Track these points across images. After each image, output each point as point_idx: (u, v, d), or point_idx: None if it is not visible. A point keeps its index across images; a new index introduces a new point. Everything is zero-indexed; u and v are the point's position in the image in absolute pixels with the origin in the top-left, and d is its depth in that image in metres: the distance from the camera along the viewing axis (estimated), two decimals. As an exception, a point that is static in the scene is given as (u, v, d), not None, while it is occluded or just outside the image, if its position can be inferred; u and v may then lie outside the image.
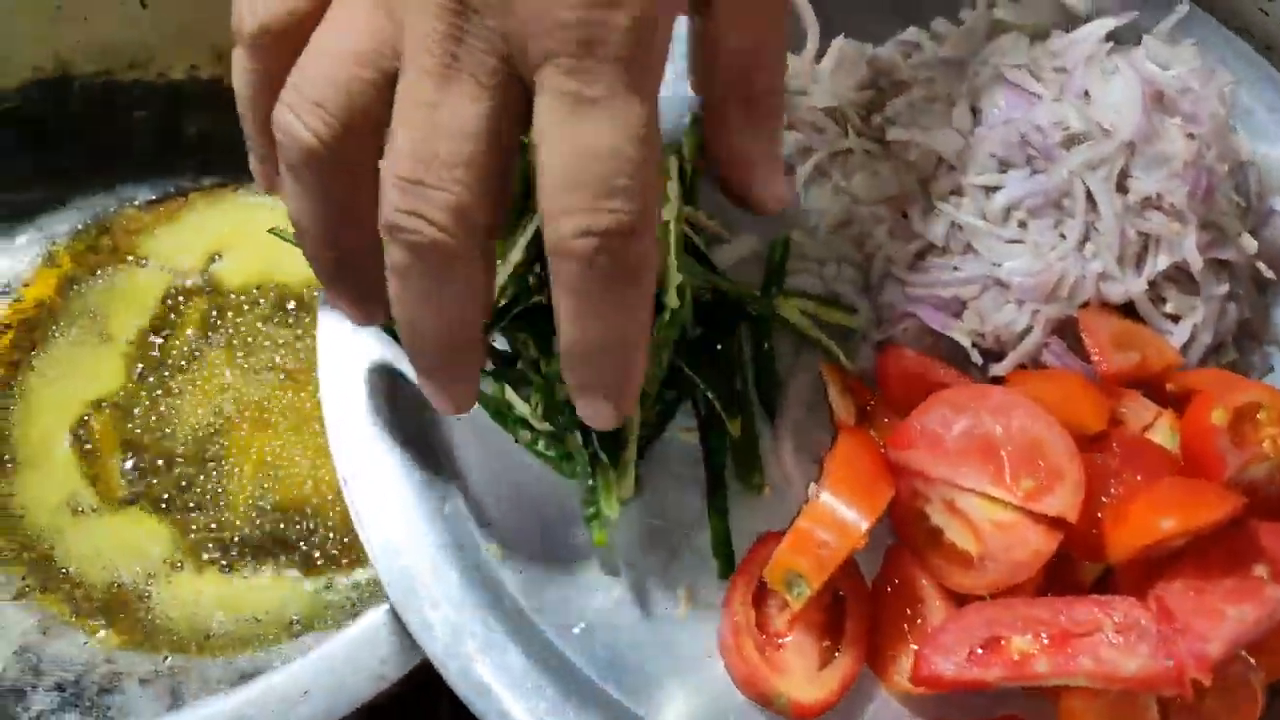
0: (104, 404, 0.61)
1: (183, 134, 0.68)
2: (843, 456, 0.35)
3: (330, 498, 0.60)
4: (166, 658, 0.58)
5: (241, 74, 0.33)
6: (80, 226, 0.67)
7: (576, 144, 0.27)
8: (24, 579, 0.57)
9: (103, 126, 0.66)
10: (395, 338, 0.37)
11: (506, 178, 0.30)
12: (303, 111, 0.29)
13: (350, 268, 0.33)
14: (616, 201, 0.27)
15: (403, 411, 0.38)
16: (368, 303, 0.34)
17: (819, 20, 0.45)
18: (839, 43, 0.44)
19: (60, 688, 0.57)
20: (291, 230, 0.33)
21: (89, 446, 0.60)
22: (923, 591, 0.34)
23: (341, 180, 0.30)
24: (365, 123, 0.29)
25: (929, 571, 0.35)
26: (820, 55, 0.44)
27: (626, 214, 0.27)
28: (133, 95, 0.65)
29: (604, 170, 0.27)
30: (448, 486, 0.37)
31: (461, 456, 0.38)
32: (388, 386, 0.38)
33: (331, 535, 0.60)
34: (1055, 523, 0.32)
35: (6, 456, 0.60)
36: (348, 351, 0.39)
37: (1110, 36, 0.40)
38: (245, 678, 0.59)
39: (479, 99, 0.28)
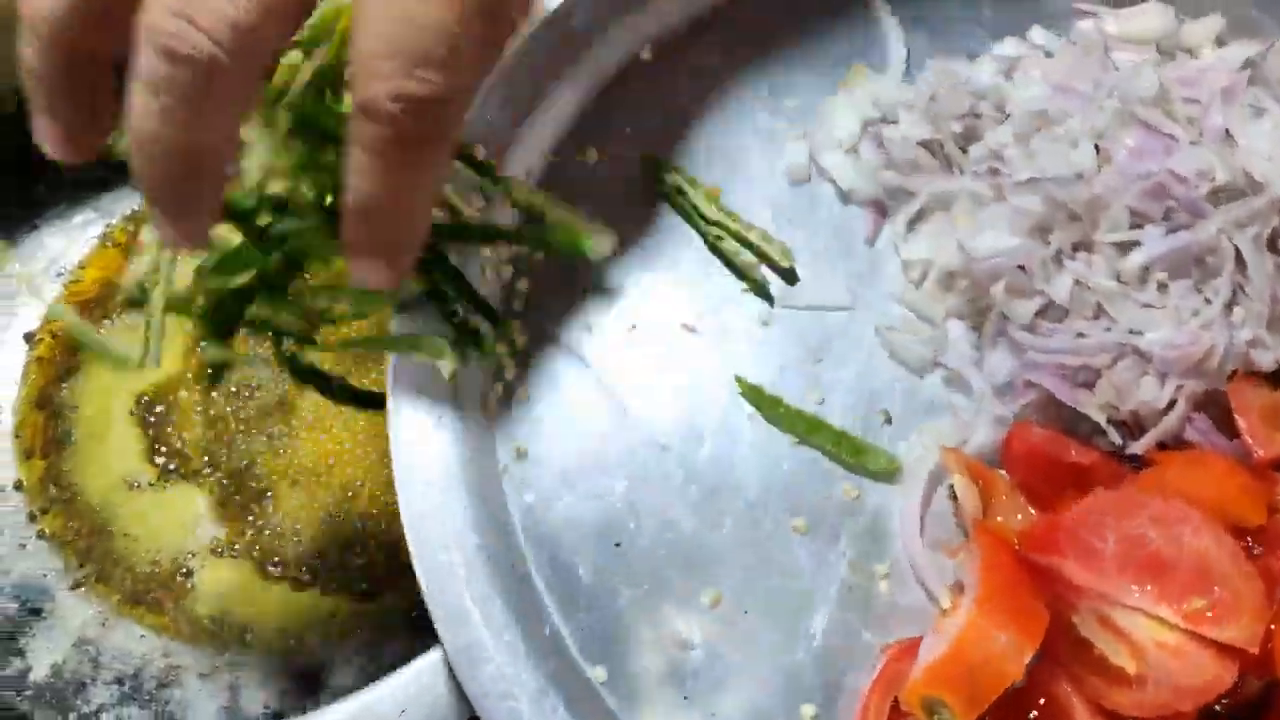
0: (162, 385, 0.60)
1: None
2: (989, 569, 0.31)
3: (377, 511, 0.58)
4: (225, 654, 0.57)
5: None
6: (138, 206, 0.63)
7: (403, 9, 0.27)
8: (81, 566, 0.56)
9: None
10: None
11: (295, 20, 0.29)
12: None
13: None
14: (432, 71, 0.27)
15: (471, 469, 0.35)
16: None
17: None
18: (936, 65, 0.40)
19: (119, 681, 0.57)
20: None
21: (149, 425, 0.59)
22: (1074, 711, 0.32)
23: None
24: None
25: (1077, 685, 0.32)
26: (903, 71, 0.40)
27: (440, 84, 0.28)
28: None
29: (425, 40, 0.27)
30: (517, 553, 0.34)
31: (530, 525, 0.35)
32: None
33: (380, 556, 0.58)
34: (1231, 649, 0.29)
35: (67, 433, 0.59)
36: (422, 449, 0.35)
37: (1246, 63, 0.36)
38: (303, 677, 0.58)
39: None
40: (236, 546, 0.57)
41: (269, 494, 0.58)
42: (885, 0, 0.42)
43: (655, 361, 0.37)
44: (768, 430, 0.36)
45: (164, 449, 0.59)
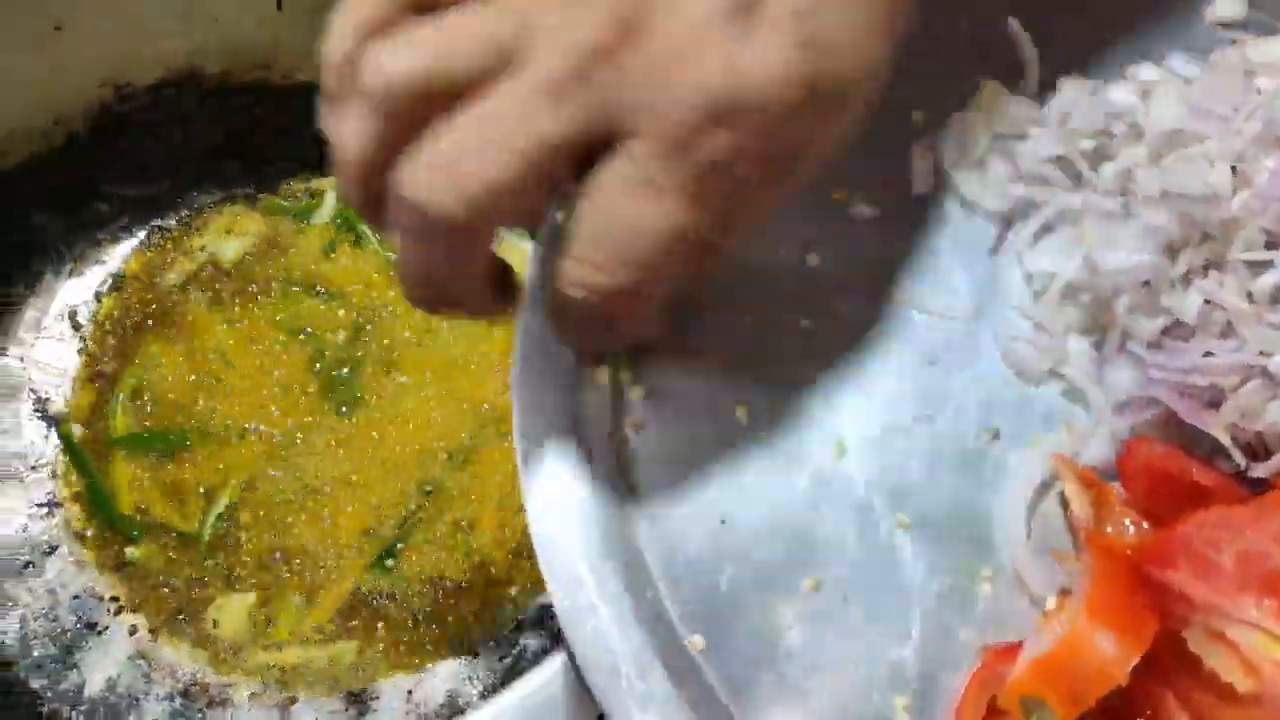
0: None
1: (301, 135, 0.66)
2: (1102, 576, 0.31)
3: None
4: (275, 671, 0.58)
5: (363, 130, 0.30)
6: (190, 222, 0.66)
7: (621, 211, 0.29)
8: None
9: (223, 126, 0.64)
10: None
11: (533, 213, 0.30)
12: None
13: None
14: (627, 271, 0.29)
15: (588, 436, 0.36)
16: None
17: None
18: (1070, 83, 0.40)
19: (170, 698, 0.57)
20: None
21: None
22: (1178, 724, 0.31)
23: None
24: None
25: (1184, 701, 0.31)
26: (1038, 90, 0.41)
27: (628, 281, 0.29)
28: (255, 96, 0.63)
29: (632, 242, 0.29)
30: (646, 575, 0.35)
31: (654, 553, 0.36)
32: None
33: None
34: (1357, 672, 0.28)
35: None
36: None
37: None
38: (354, 698, 0.59)
39: (557, 124, 0.28)
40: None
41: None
42: (1020, 21, 0.42)
43: (770, 354, 0.38)
44: (879, 421, 0.37)
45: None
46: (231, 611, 0.58)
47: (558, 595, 0.34)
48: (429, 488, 0.62)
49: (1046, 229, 0.38)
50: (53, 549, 0.59)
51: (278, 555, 0.59)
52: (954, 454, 0.37)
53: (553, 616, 0.61)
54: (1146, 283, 0.35)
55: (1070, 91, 0.40)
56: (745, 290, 0.39)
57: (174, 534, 0.59)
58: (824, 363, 0.38)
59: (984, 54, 0.42)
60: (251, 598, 0.58)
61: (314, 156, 0.68)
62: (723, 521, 0.35)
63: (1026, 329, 0.38)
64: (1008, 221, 0.39)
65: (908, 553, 0.35)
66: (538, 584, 0.61)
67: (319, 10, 0.57)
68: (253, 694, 0.57)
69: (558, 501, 0.35)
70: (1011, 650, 0.32)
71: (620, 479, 0.36)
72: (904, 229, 0.40)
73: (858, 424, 0.37)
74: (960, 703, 0.32)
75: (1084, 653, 0.30)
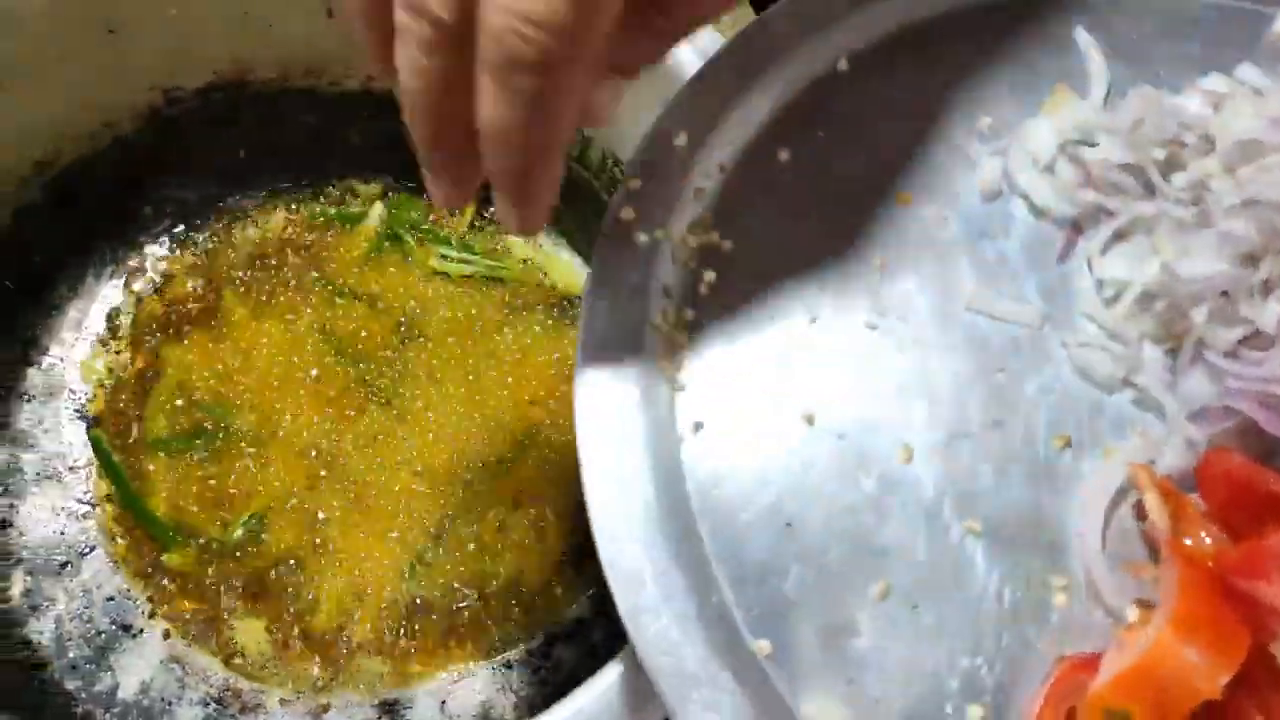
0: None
1: (347, 142, 0.67)
2: (1187, 586, 0.30)
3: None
4: (307, 679, 0.57)
5: None
6: (232, 226, 0.67)
7: None
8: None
9: (268, 131, 0.64)
10: None
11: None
12: None
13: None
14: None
15: (652, 435, 0.36)
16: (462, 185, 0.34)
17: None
18: (1141, 91, 0.40)
19: (204, 703, 0.56)
20: None
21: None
22: (1266, 742, 0.30)
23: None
24: None
25: (1268, 715, 0.30)
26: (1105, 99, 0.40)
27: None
28: (303, 102, 0.63)
29: None
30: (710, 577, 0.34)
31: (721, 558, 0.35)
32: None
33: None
34: None
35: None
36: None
37: None
38: (387, 706, 0.58)
39: None
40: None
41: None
42: (1087, 30, 0.42)
43: (835, 355, 0.38)
44: (946, 426, 0.36)
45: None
46: (250, 632, 0.58)
47: (621, 596, 0.33)
48: (466, 498, 0.61)
49: (1118, 236, 0.37)
50: (90, 550, 0.59)
51: (310, 564, 0.59)
52: (1024, 461, 0.36)
53: (588, 629, 0.61)
54: (1225, 292, 0.35)
55: (1139, 100, 0.40)
56: (809, 290, 0.39)
57: (207, 539, 0.59)
58: (890, 366, 0.37)
59: (1049, 61, 0.42)
60: (262, 625, 0.58)
61: (360, 164, 0.68)
62: (788, 524, 0.35)
63: (1098, 336, 0.37)
64: (1077, 228, 0.38)
65: (979, 560, 0.35)
66: (572, 596, 0.60)
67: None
68: (284, 700, 0.57)
69: (620, 503, 0.34)
70: (1089, 662, 0.31)
71: (683, 481, 0.35)
72: (971, 233, 0.40)
73: (925, 428, 0.36)
74: (1038, 715, 0.32)
75: (1171, 666, 0.29)
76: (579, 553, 0.61)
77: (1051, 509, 0.35)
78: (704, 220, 0.40)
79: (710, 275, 0.39)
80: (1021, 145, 0.41)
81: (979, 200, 0.40)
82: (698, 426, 0.36)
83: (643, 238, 0.39)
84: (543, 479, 0.63)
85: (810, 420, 0.36)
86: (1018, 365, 0.37)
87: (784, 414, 0.36)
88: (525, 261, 0.68)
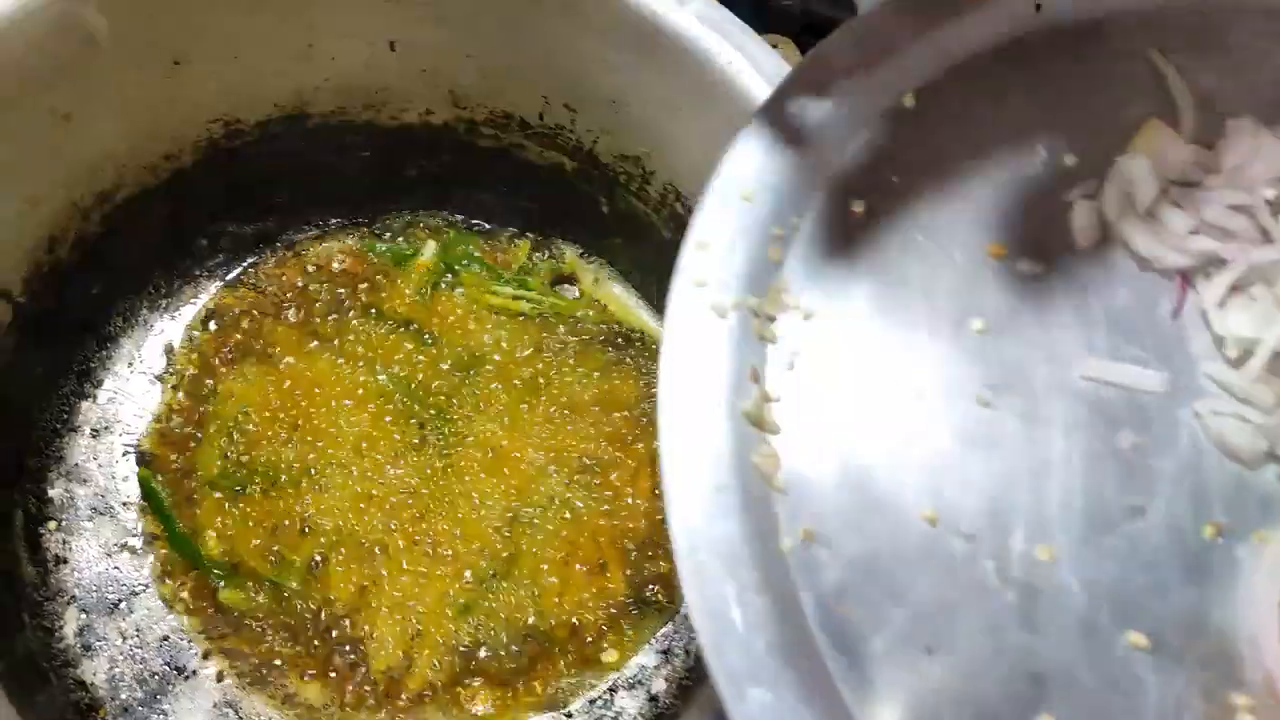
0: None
1: (401, 175, 0.66)
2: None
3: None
4: None
5: None
6: (287, 260, 0.66)
7: None
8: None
9: (325, 165, 0.64)
10: None
11: None
12: None
13: None
14: None
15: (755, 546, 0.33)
16: None
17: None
18: (1237, 125, 0.37)
19: None
20: None
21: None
22: None
23: None
24: None
25: None
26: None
27: None
28: (361, 136, 0.63)
29: None
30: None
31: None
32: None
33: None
34: None
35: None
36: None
37: None
38: None
39: None
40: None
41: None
42: (1171, 62, 0.39)
43: (948, 440, 0.34)
44: (1084, 516, 0.33)
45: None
46: (305, 676, 0.57)
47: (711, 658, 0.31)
48: (523, 539, 0.60)
49: (1236, 287, 0.35)
50: (143, 588, 0.58)
51: (365, 605, 0.58)
52: (1176, 554, 0.33)
53: (650, 678, 0.59)
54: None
55: (1241, 134, 0.37)
56: (908, 363, 0.35)
57: (261, 578, 0.58)
58: (1012, 448, 0.34)
59: (1129, 91, 0.39)
60: (316, 668, 0.57)
61: (416, 199, 0.67)
62: (928, 650, 0.31)
63: (1230, 404, 0.34)
64: (1188, 278, 0.36)
65: (1150, 681, 0.31)
66: (634, 643, 0.59)
67: (430, 50, 0.58)
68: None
69: (730, 637, 0.31)
70: None
71: (800, 610, 0.32)
72: (1072, 288, 0.36)
73: (1061, 521, 0.33)
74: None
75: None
76: (640, 599, 0.60)
77: (1216, 611, 0.32)
78: (781, 286, 0.36)
79: (795, 349, 0.36)
80: (1117, 187, 0.38)
81: (1076, 250, 0.37)
82: (808, 536, 0.33)
83: (717, 308, 0.36)
84: (602, 519, 0.62)
85: (933, 522, 0.33)
86: (1148, 439, 0.34)
87: (903, 517, 0.33)
88: (581, 296, 0.67)
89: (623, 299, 0.67)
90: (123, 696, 0.55)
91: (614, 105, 0.55)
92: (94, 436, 0.61)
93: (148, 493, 0.59)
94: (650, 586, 0.61)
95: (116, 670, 0.55)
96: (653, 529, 0.62)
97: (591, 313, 0.66)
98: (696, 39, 0.47)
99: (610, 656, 0.58)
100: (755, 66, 0.47)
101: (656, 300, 0.66)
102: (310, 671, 0.57)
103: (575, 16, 0.50)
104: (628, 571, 0.60)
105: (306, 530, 0.59)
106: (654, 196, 0.59)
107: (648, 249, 0.63)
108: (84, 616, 0.56)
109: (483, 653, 0.58)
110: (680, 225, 0.58)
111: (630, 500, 0.62)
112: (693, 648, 0.59)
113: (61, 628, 0.56)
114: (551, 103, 0.58)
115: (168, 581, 0.58)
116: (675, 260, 0.56)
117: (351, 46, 0.56)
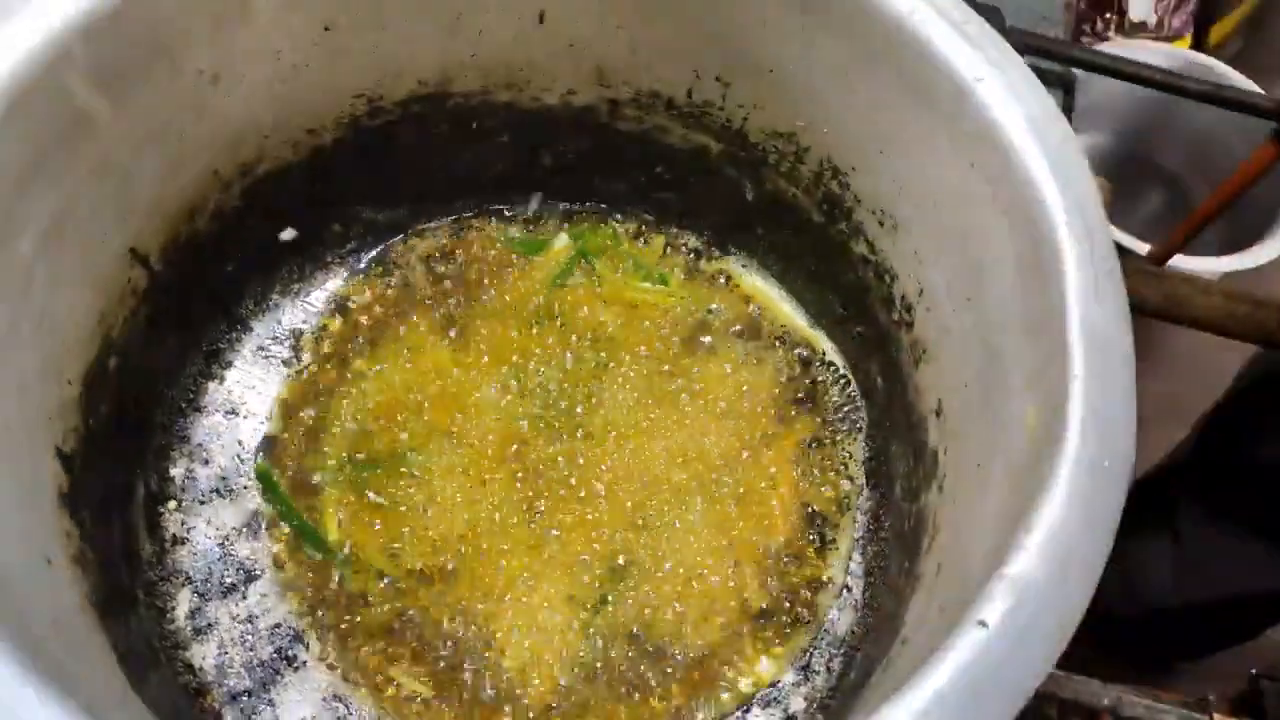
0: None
1: (538, 163, 0.64)
2: None
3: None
4: None
5: None
6: (418, 246, 0.65)
7: None
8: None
9: (463, 149, 0.62)
10: None
11: None
12: None
13: None
14: None
15: None
16: None
17: None
18: None
19: None
20: None
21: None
22: None
23: None
24: None
25: None
26: None
27: None
28: (501, 118, 0.61)
29: None
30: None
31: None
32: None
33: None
34: None
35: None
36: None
37: None
38: None
39: None
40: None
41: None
42: None
43: None
44: None
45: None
46: (417, 677, 0.53)
47: None
48: (654, 544, 0.56)
49: None
50: (258, 574, 0.55)
51: (483, 607, 0.54)
52: None
53: (787, 697, 0.54)
54: None
55: None
56: None
57: (378, 573, 0.55)
58: None
59: None
60: (427, 671, 0.53)
61: (551, 186, 0.65)
62: None
63: None
64: None
65: None
66: (771, 659, 0.54)
67: (579, 21, 0.56)
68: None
69: None
70: None
71: None
72: None
73: None
74: None
75: None
76: (774, 612, 0.55)
77: None
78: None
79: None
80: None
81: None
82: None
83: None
84: (737, 524, 0.57)
85: None
86: None
87: None
88: (719, 288, 0.63)
89: (764, 291, 0.63)
90: (230, 683, 0.52)
91: (771, 75, 0.52)
92: (219, 418, 0.59)
93: (265, 483, 0.57)
94: (788, 597, 0.56)
95: (226, 656, 0.53)
96: (791, 535, 0.57)
97: (728, 305, 0.63)
98: (871, -14, 0.44)
99: (745, 672, 0.53)
100: (940, 13, 0.43)
101: (800, 291, 0.62)
102: (422, 672, 0.53)
103: (738, -28, 0.47)
104: (762, 580, 0.55)
105: (428, 524, 0.56)
106: (806, 176, 0.55)
107: (792, 236, 0.59)
108: (197, 599, 0.54)
109: (605, 668, 0.53)
110: (836, 206, 0.54)
111: (768, 504, 0.58)
112: (835, 665, 0.53)
113: (174, 609, 0.54)
114: (703, 76, 0.55)
115: (283, 570, 0.55)
116: (825, 246, 0.52)
117: (500, 19, 0.55)
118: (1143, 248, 1.12)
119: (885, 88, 0.46)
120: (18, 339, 0.41)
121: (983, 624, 0.31)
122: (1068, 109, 0.89)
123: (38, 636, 0.36)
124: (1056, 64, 0.87)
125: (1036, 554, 0.32)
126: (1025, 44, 0.82)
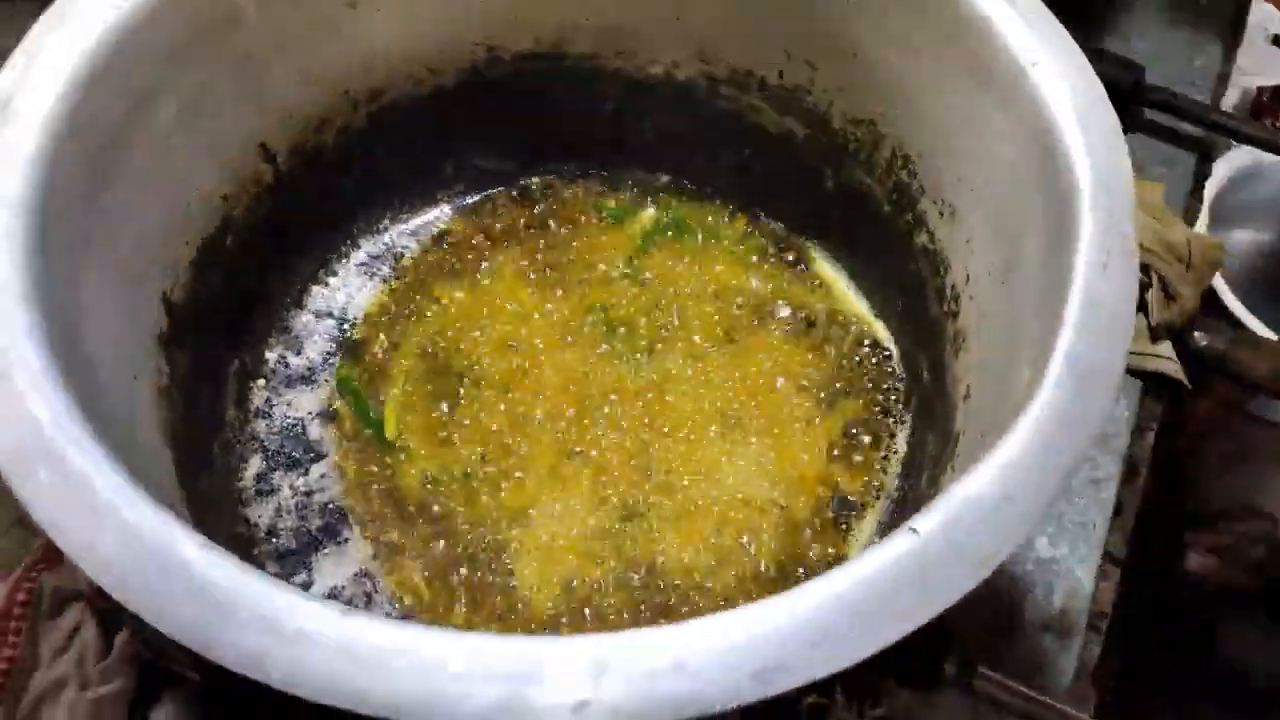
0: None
1: (637, 133, 0.68)
2: None
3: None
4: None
5: None
6: (516, 199, 0.70)
7: None
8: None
9: (571, 110, 0.67)
10: None
11: None
12: None
13: None
14: None
15: None
16: None
17: None
18: None
19: None
20: None
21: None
22: None
23: None
24: None
25: None
26: None
27: None
28: (608, 83, 0.65)
29: None
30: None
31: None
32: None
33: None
34: None
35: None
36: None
37: None
38: None
39: None
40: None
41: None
42: None
43: None
44: None
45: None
46: (442, 579, 0.57)
47: None
48: (667, 495, 0.59)
49: None
50: (321, 456, 0.61)
51: (515, 525, 0.58)
52: None
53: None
54: None
55: None
56: None
57: (422, 470, 0.59)
58: None
59: None
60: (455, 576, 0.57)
61: (646, 158, 0.69)
62: None
63: None
64: None
65: None
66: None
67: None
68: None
69: None
70: None
71: None
72: None
73: None
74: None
75: None
76: (786, 580, 0.56)
77: None
78: None
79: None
80: None
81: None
82: None
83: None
84: (764, 494, 0.59)
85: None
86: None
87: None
88: (793, 273, 0.66)
89: (833, 279, 0.65)
90: (279, 542, 0.57)
91: (854, 59, 0.55)
92: (317, 318, 0.65)
93: (343, 380, 0.62)
94: (803, 570, 0.57)
95: (280, 519, 0.58)
96: (817, 512, 0.58)
97: (799, 289, 0.65)
98: (945, -35, 0.46)
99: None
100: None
101: (866, 282, 0.64)
102: (448, 576, 0.57)
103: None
104: (782, 548, 0.57)
105: (476, 436, 0.60)
106: (880, 165, 0.58)
107: (865, 226, 0.61)
108: (264, 465, 0.60)
109: (610, 593, 0.56)
110: (903, 195, 0.56)
111: (800, 480, 0.59)
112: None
113: (244, 470, 0.60)
114: (793, 58, 0.58)
115: (346, 459, 0.61)
116: (892, 238, 0.54)
117: (618, -20, 0.59)
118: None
119: (953, 71, 0.48)
120: (146, 190, 0.48)
121: (914, 531, 0.32)
122: (1201, 175, 0.88)
123: (117, 434, 0.41)
124: (1192, 125, 0.86)
125: (982, 479, 0.33)
126: (1160, 101, 0.82)
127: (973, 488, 0.33)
